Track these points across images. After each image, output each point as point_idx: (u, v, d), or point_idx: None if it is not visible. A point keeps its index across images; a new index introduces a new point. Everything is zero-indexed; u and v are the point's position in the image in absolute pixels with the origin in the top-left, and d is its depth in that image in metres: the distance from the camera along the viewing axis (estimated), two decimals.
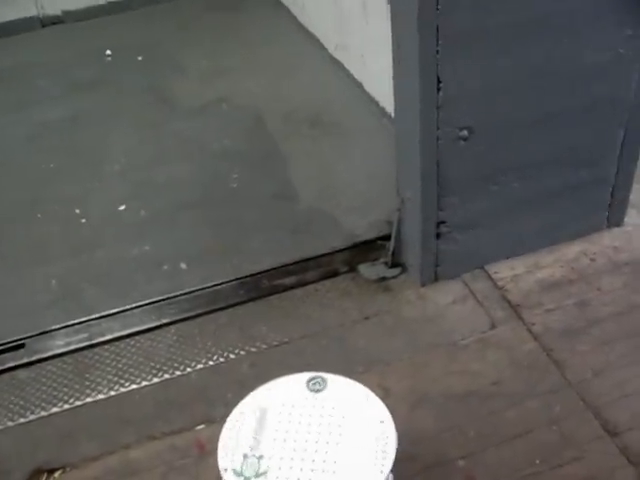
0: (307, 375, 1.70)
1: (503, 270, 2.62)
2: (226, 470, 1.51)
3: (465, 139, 2.27)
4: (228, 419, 1.61)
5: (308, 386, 1.68)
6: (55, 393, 2.43)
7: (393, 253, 2.66)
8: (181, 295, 2.70)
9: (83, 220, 3.20)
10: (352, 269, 2.71)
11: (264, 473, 1.50)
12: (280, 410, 1.63)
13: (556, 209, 2.59)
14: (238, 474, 1.50)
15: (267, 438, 1.57)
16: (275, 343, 2.49)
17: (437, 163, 2.30)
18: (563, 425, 2.11)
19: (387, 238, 2.68)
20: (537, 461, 2.03)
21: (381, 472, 1.52)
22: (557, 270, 2.61)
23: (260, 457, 1.53)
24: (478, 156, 2.34)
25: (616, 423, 2.10)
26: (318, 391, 1.67)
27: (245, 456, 1.53)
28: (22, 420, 2.36)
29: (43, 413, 2.37)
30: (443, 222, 2.44)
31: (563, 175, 2.51)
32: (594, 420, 2.11)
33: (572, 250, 2.68)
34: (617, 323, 2.40)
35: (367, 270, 2.69)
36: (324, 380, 1.69)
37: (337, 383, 1.69)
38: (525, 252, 2.66)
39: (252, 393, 1.67)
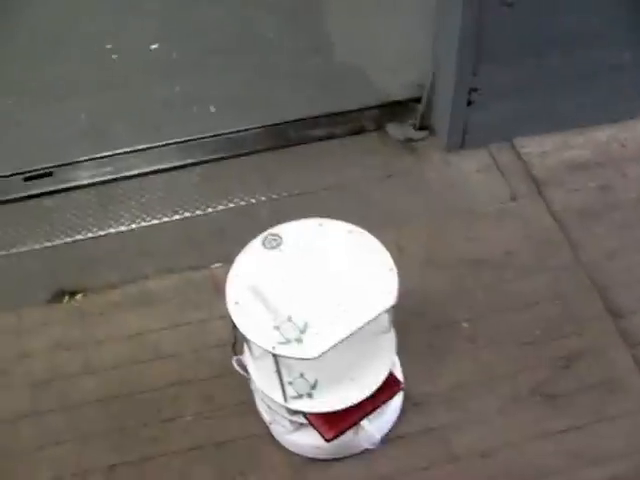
0: (259, 239, 1.74)
1: (531, 145, 2.60)
2: (274, 348, 1.51)
3: (510, 5, 2.20)
4: (232, 317, 1.59)
5: (265, 245, 1.72)
6: (79, 222, 2.50)
7: (422, 116, 2.64)
8: (208, 137, 2.72)
9: (114, 56, 3.17)
10: (380, 127, 2.70)
11: (305, 326, 1.54)
12: (266, 277, 1.64)
13: (594, 90, 2.53)
14: (287, 342, 1.51)
15: (280, 302, 1.59)
16: (297, 192, 2.52)
17: (477, 27, 2.24)
18: (568, 301, 2.16)
19: (418, 100, 2.65)
20: (537, 331, 2.10)
21: (390, 270, 1.63)
22: (585, 152, 2.59)
23: (289, 318, 1.56)
24: (521, 25, 2.28)
25: (620, 306, 2.15)
26: (275, 247, 1.71)
27: (277, 327, 1.54)
28: (47, 244, 2.45)
29: (67, 239, 2.46)
30: (476, 89, 2.40)
31: (606, 55, 2.44)
32: (599, 300, 2.16)
33: (604, 134, 2.64)
34: (637, 210, 2.40)
35: (395, 130, 2.68)
36: (277, 235, 1.73)
37: (289, 230, 1.74)
38: (556, 130, 2.63)
39: (227, 285, 1.65)
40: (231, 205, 2.49)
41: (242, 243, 2.33)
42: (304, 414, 1.74)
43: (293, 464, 1.89)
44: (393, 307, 1.62)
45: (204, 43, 3.17)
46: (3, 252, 2.43)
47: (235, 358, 1.83)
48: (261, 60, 3.06)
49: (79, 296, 2.29)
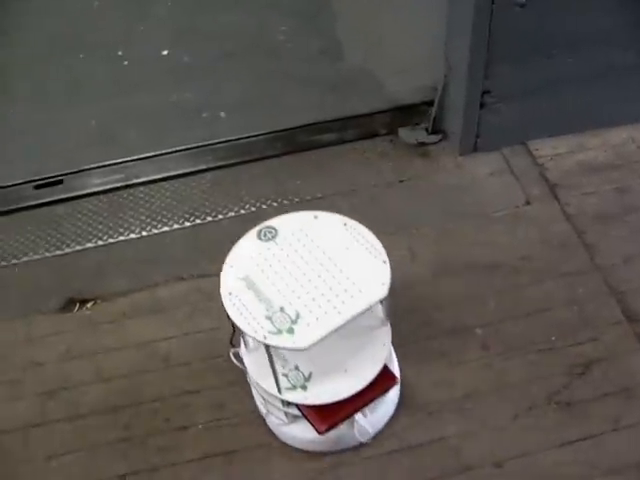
0: (254, 231, 1.76)
1: (545, 148, 2.57)
2: (265, 337, 1.53)
3: (522, 5, 2.17)
4: (226, 307, 1.61)
5: (260, 237, 1.75)
6: (90, 229, 2.50)
7: (435, 119, 2.61)
8: (218, 143, 2.71)
9: (125, 62, 3.17)
10: (392, 132, 2.68)
11: (297, 317, 1.56)
12: (259, 269, 1.67)
13: (608, 90, 2.49)
14: (278, 332, 1.53)
15: (272, 293, 1.61)
16: (308, 197, 2.51)
17: (489, 29, 2.21)
18: (584, 307, 2.13)
19: (430, 104, 2.62)
20: (553, 337, 2.06)
21: (384, 262, 1.64)
22: (601, 154, 2.55)
23: (282, 309, 1.58)
24: (533, 25, 2.25)
25: (637, 311, 2.10)
26: (271, 239, 1.73)
27: (269, 318, 1.56)
28: (58, 252, 2.45)
29: (78, 247, 2.45)
30: (488, 92, 2.38)
31: (620, 54, 2.40)
32: (616, 305, 2.12)
33: (619, 135, 2.60)
34: None
35: (407, 134, 2.66)
36: (272, 227, 1.76)
37: (284, 222, 1.77)
38: (570, 132, 2.59)
39: (222, 275, 1.68)
40: (242, 212, 2.48)
41: None
42: (297, 406, 1.77)
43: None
44: (387, 299, 1.63)
45: (214, 49, 3.16)
46: (14, 260, 2.42)
47: (232, 351, 1.84)
48: (271, 65, 3.05)
49: (89, 304, 2.28)
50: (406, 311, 2.13)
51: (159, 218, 2.49)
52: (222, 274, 1.68)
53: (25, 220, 2.56)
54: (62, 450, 1.96)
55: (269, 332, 1.54)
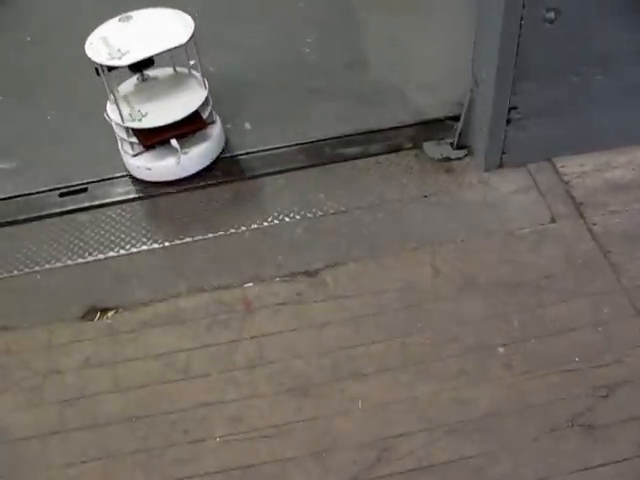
0: (117, 17, 2.61)
1: (571, 165, 2.54)
2: (102, 62, 2.41)
3: (551, 22, 2.15)
4: (86, 50, 2.46)
5: (120, 20, 2.60)
6: (112, 238, 2.51)
7: (460, 134, 2.60)
8: (242, 155, 2.72)
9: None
10: (416, 146, 2.67)
11: (127, 52, 2.43)
12: (113, 34, 2.53)
13: (636, 109, 2.47)
14: (112, 59, 2.42)
15: (115, 43, 2.48)
16: (331, 211, 2.50)
17: (517, 45, 2.20)
18: (609, 328, 2.09)
19: (456, 119, 2.62)
20: (577, 359, 2.03)
21: (190, 27, 2.53)
22: (628, 172, 2.52)
23: (119, 49, 2.44)
24: (562, 42, 2.23)
25: None
26: (127, 21, 2.59)
27: (110, 54, 2.43)
28: (80, 260, 2.46)
29: (100, 256, 2.46)
30: (515, 108, 2.36)
31: None
32: None
33: None
34: None
35: (432, 149, 2.65)
36: (130, 15, 2.62)
37: (139, 13, 2.64)
38: (597, 150, 2.57)
39: (89, 37, 2.52)
40: (265, 224, 2.48)
41: (275, 263, 2.33)
42: (136, 135, 2.59)
43: None
44: (202, 72, 2.73)
45: (241, 59, 3.17)
46: (37, 268, 2.44)
47: (105, 113, 2.65)
48: (297, 77, 3.07)
49: (111, 313, 2.28)
50: (428, 327, 2.13)
51: (182, 229, 2.49)
52: (89, 37, 2.53)
53: (49, 228, 2.58)
54: (80, 459, 1.96)
55: (106, 59, 2.42)
